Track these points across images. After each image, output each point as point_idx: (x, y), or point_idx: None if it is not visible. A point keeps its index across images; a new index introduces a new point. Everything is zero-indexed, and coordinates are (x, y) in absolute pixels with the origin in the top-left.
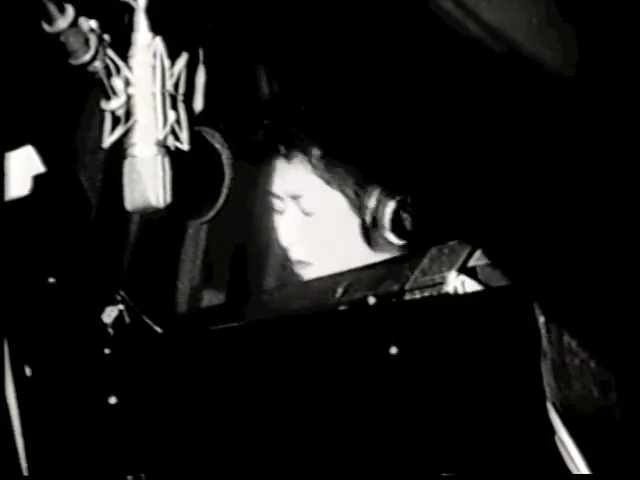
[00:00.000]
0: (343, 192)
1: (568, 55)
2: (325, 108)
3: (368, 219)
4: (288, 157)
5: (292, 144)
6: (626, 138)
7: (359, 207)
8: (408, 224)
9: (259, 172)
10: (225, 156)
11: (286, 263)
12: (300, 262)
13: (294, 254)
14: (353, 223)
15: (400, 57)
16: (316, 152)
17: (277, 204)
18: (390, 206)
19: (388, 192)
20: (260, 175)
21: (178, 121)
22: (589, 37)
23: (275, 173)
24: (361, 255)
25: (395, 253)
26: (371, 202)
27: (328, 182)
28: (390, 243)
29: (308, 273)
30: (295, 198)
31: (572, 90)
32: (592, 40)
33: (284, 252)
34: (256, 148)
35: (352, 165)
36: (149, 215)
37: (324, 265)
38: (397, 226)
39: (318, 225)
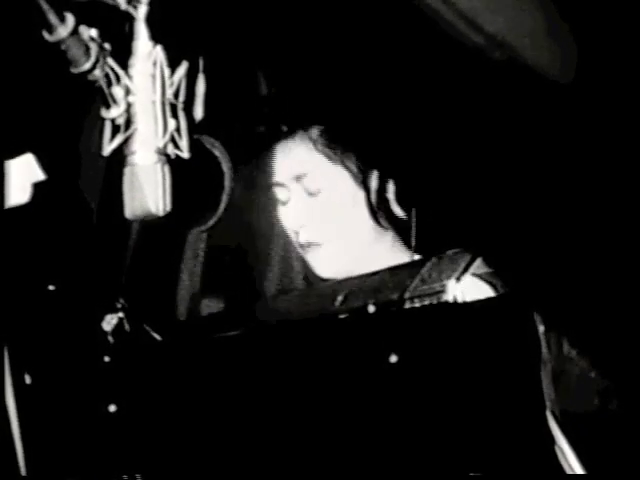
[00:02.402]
0: (346, 167)
1: (568, 63)
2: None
3: (373, 194)
4: (289, 136)
5: (292, 122)
6: (625, 145)
7: (363, 182)
8: (412, 196)
9: (260, 164)
10: (225, 164)
11: (292, 253)
12: (310, 244)
13: (303, 237)
14: (359, 199)
15: (401, 65)
16: (316, 129)
17: (281, 194)
18: (391, 184)
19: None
20: (261, 167)
21: (178, 129)
22: (589, 45)
23: (277, 158)
24: (369, 232)
25: (402, 227)
26: (375, 176)
27: (330, 158)
28: (397, 217)
29: (319, 254)
30: (299, 179)
31: (572, 98)
32: (592, 48)
33: (294, 237)
34: (257, 138)
35: (353, 141)
36: (149, 223)
37: (334, 244)
38: (402, 198)
39: (324, 204)
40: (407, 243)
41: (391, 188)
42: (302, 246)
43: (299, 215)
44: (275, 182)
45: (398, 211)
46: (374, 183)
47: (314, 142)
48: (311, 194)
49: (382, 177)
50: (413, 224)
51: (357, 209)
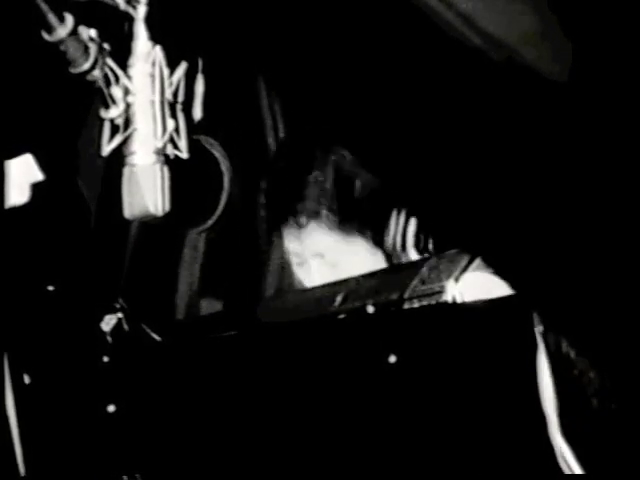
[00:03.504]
0: (362, 234)
1: (566, 64)
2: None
3: (390, 246)
4: (301, 225)
5: (303, 214)
6: (623, 147)
7: (380, 242)
8: (427, 239)
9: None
10: (224, 164)
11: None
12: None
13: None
14: (378, 258)
15: (397, 65)
16: (327, 215)
17: (296, 260)
18: (411, 225)
19: (403, 215)
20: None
21: (177, 130)
22: (586, 46)
23: (287, 238)
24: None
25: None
26: (391, 231)
27: (346, 232)
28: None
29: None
30: (319, 256)
31: (568, 99)
32: (589, 49)
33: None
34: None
35: (365, 214)
36: (148, 223)
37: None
38: (418, 243)
39: (344, 272)
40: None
41: (410, 235)
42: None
43: (317, 279)
44: (292, 252)
45: (415, 256)
46: (391, 237)
47: (326, 224)
48: (332, 266)
49: (397, 229)
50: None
51: (375, 264)
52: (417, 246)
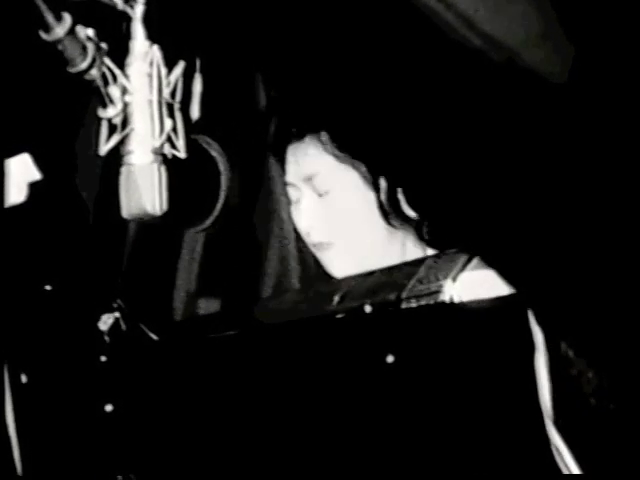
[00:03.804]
0: (356, 168)
1: (565, 65)
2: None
3: (383, 194)
4: (298, 138)
5: (300, 125)
6: (622, 148)
7: (373, 183)
8: (422, 195)
9: (267, 165)
10: (222, 164)
11: (289, 254)
12: (321, 244)
13: (314, 237)
14: (369, 200)
15: (398, 65)
16: (325, 132)
17: (293, 193)
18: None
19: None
20: (268, 168)
21: (175, 129)
22: (586, 47)
23: (288, 159)
24: (380, 231)
25: (412, 229)
26: (384, 176)
27: (340, 159)
28: (408, 218)
29: (330, 254)
30: (309, 179)
31: (568, 100)
32: (589, 50)
33: (306, 238)
34: (262, 139)
35: (362, 144)
36: (145, 222)
37: (345, 244)
38: (412, 198)
39: (334, 205)
40: (419, 241)
41: (400, 188)
42: (314, 246)
43: (309, 215)
44: (286, 182)
45: (409, 211)
46: (384, 184)
47: (323, 143)
48: (320, 195)
49: (391, 178)
50: (425, 223)
51: (367, 209)
52: (410, 203)
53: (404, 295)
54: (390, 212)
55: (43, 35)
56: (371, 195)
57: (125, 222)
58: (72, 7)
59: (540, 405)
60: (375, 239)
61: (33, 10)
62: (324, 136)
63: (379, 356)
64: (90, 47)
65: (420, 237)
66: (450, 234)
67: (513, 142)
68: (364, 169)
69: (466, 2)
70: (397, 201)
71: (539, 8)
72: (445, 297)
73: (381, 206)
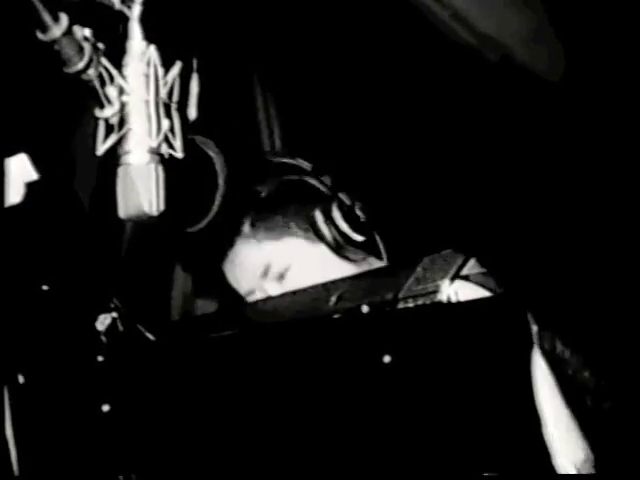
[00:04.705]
0: (299, 233)
1: (558, 64)
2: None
3: (330, 239)
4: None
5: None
6: (616, 146)
7: (316, 234)
8: (362, 219)
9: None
10: (219, 164)
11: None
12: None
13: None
14: (322, 251)
15: (395, 64)
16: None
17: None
18: (336, 207)
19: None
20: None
21: (172, 129)
22: (579, 46)
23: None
24: (345, 268)
25: (362, 255)
26: (325, 222)
27: (280, 236)
28: (357, 244)
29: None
30: (265, 270)
31: (561, 98)
32: (582, 49)
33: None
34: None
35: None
36: (142, 223)
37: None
38: (354, 223)
39: (293, 280)
40: (378, 258)
41: (338, 216)
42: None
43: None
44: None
45: (355, 236)
46: (327, 231)
47: (256, 238)
48: (279, 279)
49: (331, 217)
50: (380, 242)
51: (323, 254)
52: (354, 227)
53: (401, 295)
54: (342, 250)
55: (40, 35)
56: (322, 246)
57: (122, 222)
58: (69, 7)
59: (536, 405)
60: (330, 270)
61: (30, 10)
62: (250, 227)
63: (376, 356)
64: (87, 47)
65: (379, 258)
66: (408, 249)
67: (507, 139)
68: (305, 227)
69: (461, 1)
70: (345, 235)
71: (532, 7)
72: (442, 297)
73: (333, 249)
